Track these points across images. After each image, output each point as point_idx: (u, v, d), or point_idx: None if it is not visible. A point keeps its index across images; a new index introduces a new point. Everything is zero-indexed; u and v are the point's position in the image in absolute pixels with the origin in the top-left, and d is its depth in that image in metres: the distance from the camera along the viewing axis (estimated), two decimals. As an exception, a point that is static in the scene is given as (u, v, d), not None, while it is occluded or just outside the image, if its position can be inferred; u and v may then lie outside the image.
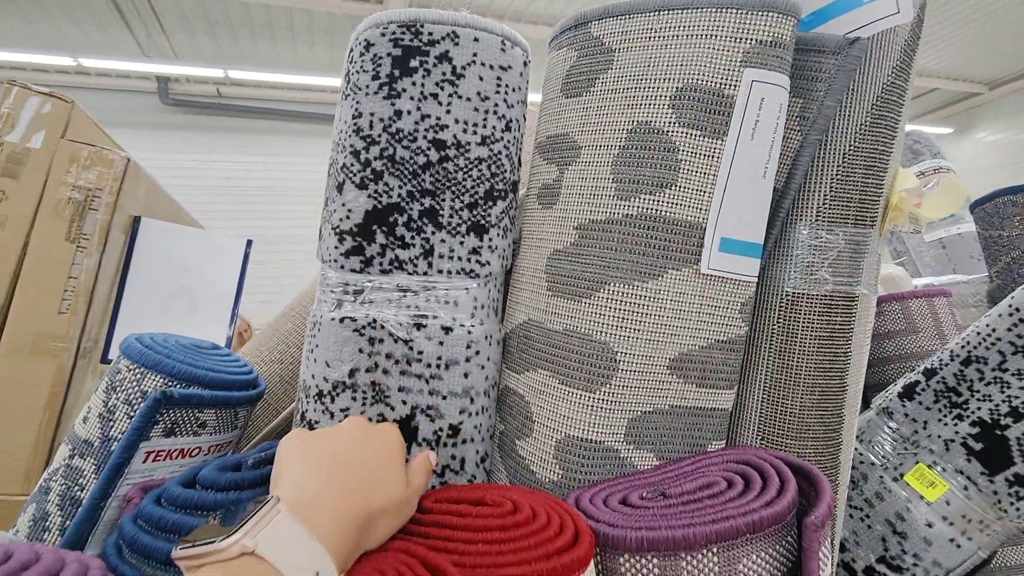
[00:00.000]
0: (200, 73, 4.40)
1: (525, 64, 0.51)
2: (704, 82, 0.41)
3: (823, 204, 0.45)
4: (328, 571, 0.30)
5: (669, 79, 0.42)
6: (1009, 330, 0.57)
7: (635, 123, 0.43)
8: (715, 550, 0.35)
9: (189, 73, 4.43)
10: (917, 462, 0.60)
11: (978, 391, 0.58)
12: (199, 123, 4.82)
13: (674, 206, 0.42)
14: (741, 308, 0.44)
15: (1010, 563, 0.67)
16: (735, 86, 0.41)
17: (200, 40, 4.21)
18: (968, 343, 0.60)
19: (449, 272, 0.47)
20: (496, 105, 0.48)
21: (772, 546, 0.37)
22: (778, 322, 0.47)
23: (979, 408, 0.57)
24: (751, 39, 0.41)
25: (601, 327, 0.43)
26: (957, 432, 0.58)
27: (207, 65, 4.24)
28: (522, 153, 0.52)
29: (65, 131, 0.77)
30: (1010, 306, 0.58)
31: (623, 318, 0.43)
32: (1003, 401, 0.56)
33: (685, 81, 0.42)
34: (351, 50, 0.50)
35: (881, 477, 0.62)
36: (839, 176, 0.44)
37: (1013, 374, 0.56)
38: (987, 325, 0.59)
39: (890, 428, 0.64)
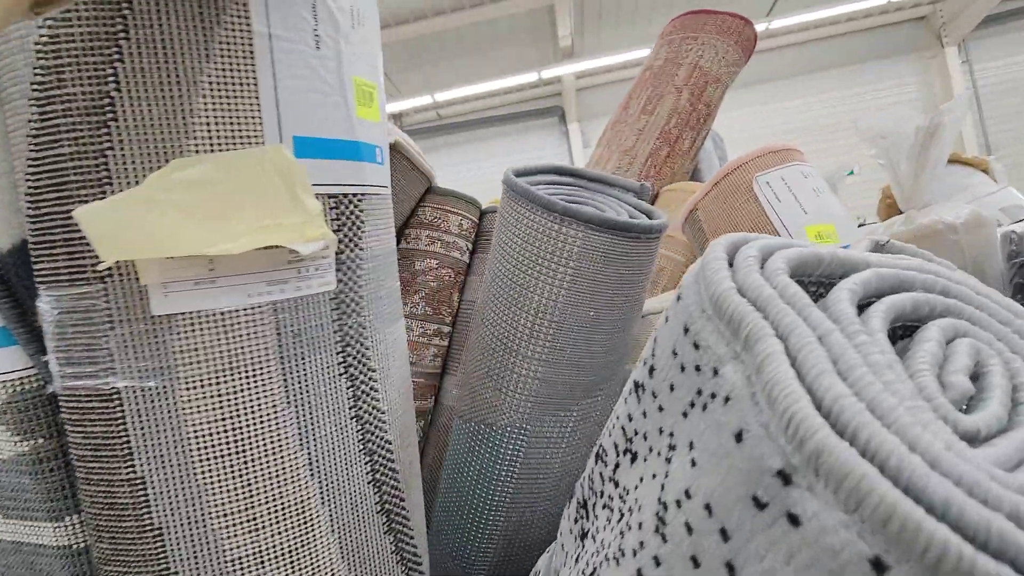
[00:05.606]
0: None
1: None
2: None
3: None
4: None
5: None
6: (624, 402, 0.28)
7: None
8: None
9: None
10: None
11: (596, 516, 0.30)
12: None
13: None
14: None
15: None
16: None
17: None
18: (616, 419, 0.31)
19: None
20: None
21: None
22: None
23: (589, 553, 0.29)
24: None
25: None
26: (567, 588, 0.31)
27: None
28: None
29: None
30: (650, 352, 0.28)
31: None
32: (604, 543, 0.28)
33: None
34: None
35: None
36: (30, 216, 0.28)
37: (621, 487, 0.27)
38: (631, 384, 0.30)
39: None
